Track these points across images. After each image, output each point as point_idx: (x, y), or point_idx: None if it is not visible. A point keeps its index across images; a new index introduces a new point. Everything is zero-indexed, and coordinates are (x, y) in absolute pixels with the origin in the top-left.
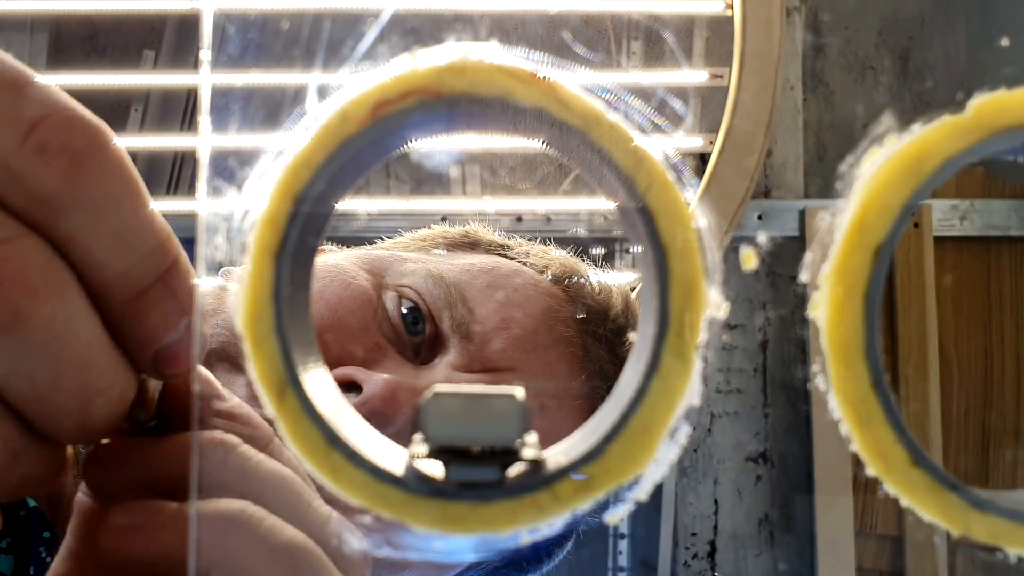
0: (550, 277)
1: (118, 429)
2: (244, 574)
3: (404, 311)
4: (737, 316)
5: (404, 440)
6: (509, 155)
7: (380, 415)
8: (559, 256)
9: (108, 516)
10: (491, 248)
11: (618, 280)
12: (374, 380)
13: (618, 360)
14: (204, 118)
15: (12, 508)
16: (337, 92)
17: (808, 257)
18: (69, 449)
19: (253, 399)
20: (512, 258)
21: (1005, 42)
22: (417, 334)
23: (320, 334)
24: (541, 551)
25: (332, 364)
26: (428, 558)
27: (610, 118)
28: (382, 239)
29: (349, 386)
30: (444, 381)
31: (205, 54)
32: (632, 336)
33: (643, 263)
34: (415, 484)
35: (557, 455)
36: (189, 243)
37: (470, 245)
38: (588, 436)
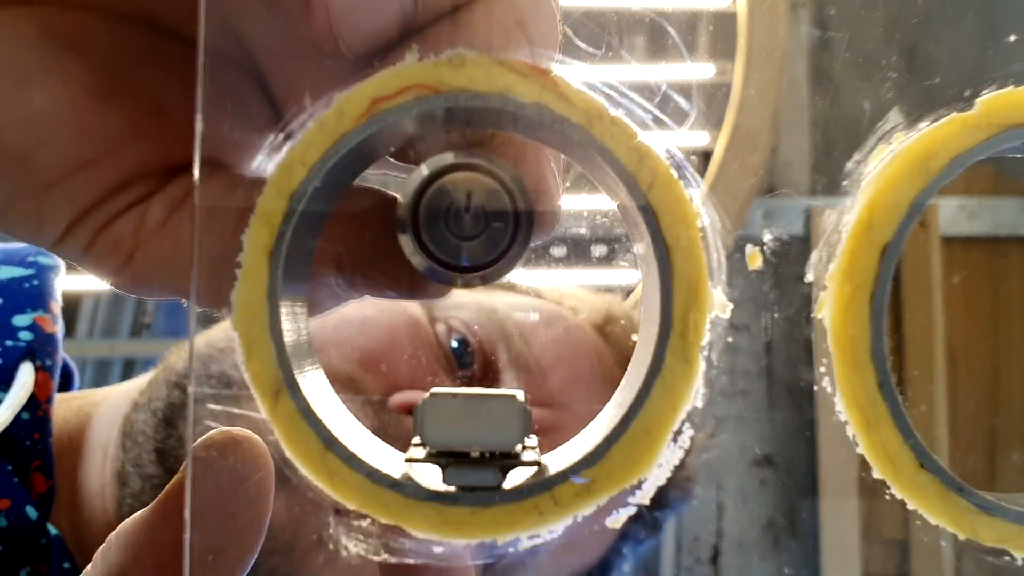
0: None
1: None
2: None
3: (454, 344)
4: (741, 317)
5: None
6: None
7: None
8: (591, 298)
9: None
10: (527, 292)
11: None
12: None
13: None
14: (199, 116)
15: (33, 535)
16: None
17: (814, 256)
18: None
19: None
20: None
21: (1014, 38)
22: (465, 366)
23: (374, 360)
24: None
25: (386, 391)
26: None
27: (612, 114)
28: None
29: (410, 411)
30: None
31: (200, 54)
32: None
33: (645, 262)
34: (412, 488)
35: (557, 458)
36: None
37: (508, 286)
38: (589, 439)
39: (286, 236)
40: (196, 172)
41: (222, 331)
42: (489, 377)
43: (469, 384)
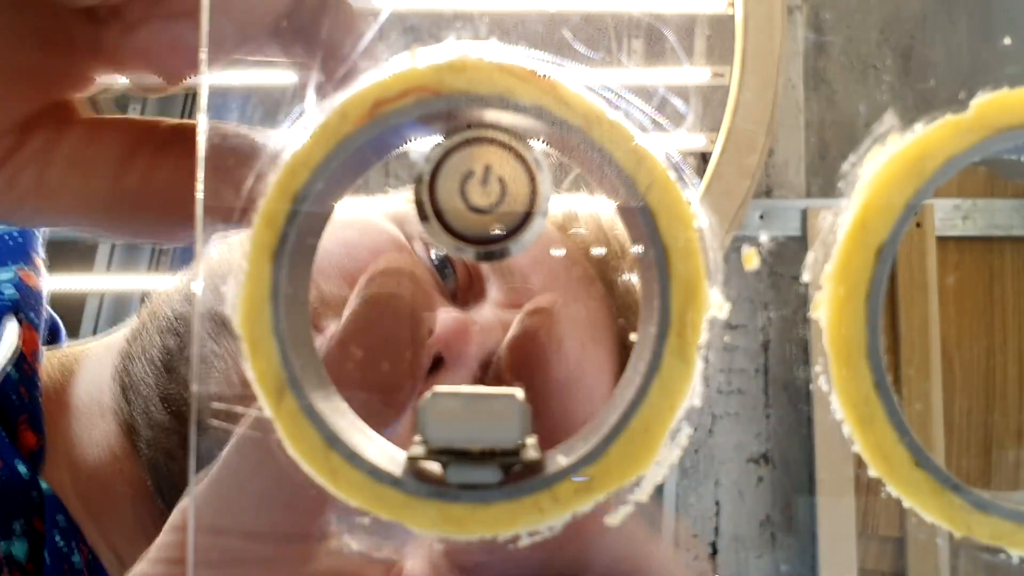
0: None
1: None
2: None
3: (435, 259)
4: (738, 316)
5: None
6: None
7: (455, 352)
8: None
9: None
10: None
11: (599, 210)
12: (443, 318)
13: (631, 298)
14: (202, 117)
15: (25, 491)
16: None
17: (810, 257)
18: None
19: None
20: None
21: (1008, 41)
22: (447, 278)
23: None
24: None
25: None
26: None
27: (611, 117)
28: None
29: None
30: (493, 319)
31: (203, 52)
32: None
33: (644, 263)
34: (414, 485)
35: (557, 456)
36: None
37: None
38: (588, 437)
39: (289, 237)
40: (199, 174)
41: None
42: (475, 288)
43: (455, 297)
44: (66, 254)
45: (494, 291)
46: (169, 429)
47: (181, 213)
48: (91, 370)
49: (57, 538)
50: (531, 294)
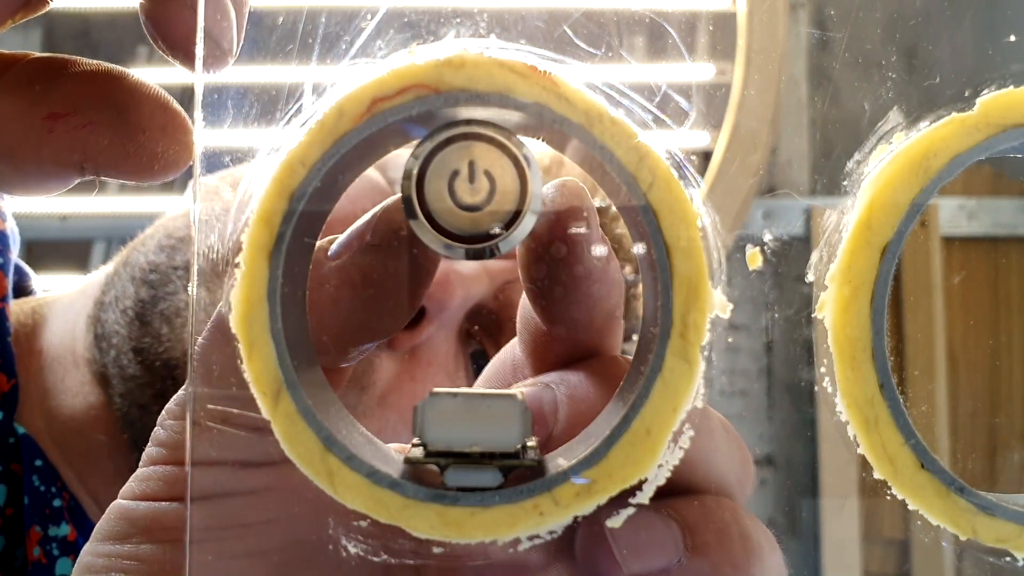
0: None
1: None
2: None
3: None
4: (741, 317)
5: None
6: None
7: (438, 302)
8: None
9: None
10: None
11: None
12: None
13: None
14: (198, 115)
15: (1, 433)
16: (333, 88)
17: (814, 256)
18: None
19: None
20: None
21: (1013, 39)
22: None
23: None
24: None
25: None
26: None
27: (612, 114)
28: None
29: None
30: (478, 268)
31: (199, 50)
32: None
33: (646, 262)
34: (412, 488)
35: (557, 458)
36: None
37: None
38: (590, 439)
39: (286, 236)
40: (197, 170)
41: (182, 218)
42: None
43: None
44: (62, 254)
45: None
46: (143, 382)
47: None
48: (64, 316)
49: (36, 480)
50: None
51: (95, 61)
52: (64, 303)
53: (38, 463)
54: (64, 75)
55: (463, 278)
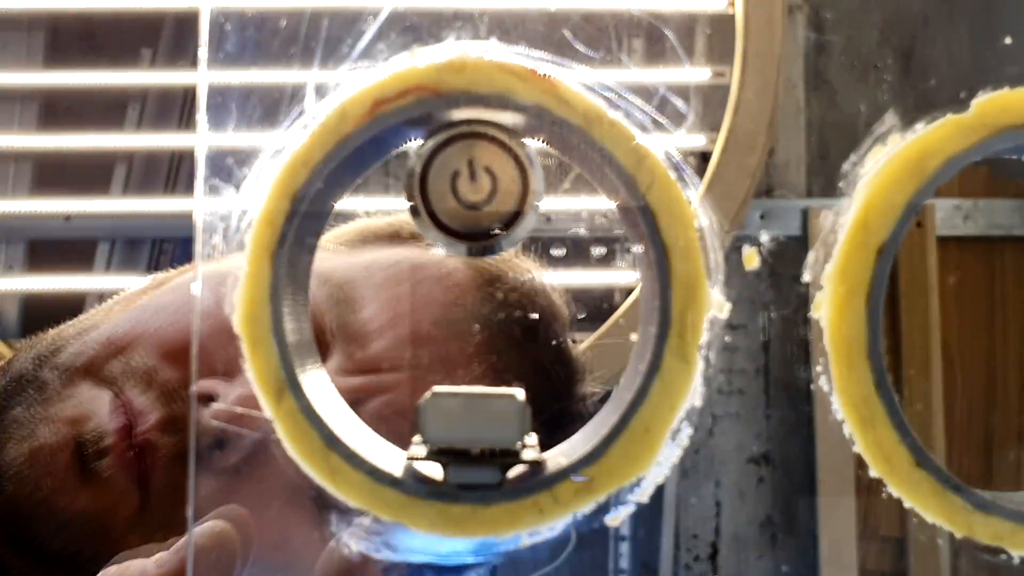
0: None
1: None
2: None
3: None
4: (739, 316)
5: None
6: None
7: (224, 432)
8: (505, 256)
9: None
10: (417, 240)
11: (555, 280)
12: (234, 395)
13: (529, 361)
14: (201, 117)
15: None
16: (335, 90)
17: (811, 257)
18: None
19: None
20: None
21: (1008, 41)
22: None
23: (186, 350)
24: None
25: (202, 378)
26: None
27: (611, 116)
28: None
29: (210, 400)
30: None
31: (202, 52)
32: (550, 337)
33: (644, 263)
34: (414, 486)
35: (558, 457)
36: (187, 242)
37: (390, 237)
38: (589, 437)
39: (288, 237)
40: (199, 174)
41: (102, 313)
42: (323, 349)
43: None
44: (66, 254)
45: (335, 355)
46: None
47: None
48: None
49: None
50: (367, 360)
51: None
52: None
53: None
54: None
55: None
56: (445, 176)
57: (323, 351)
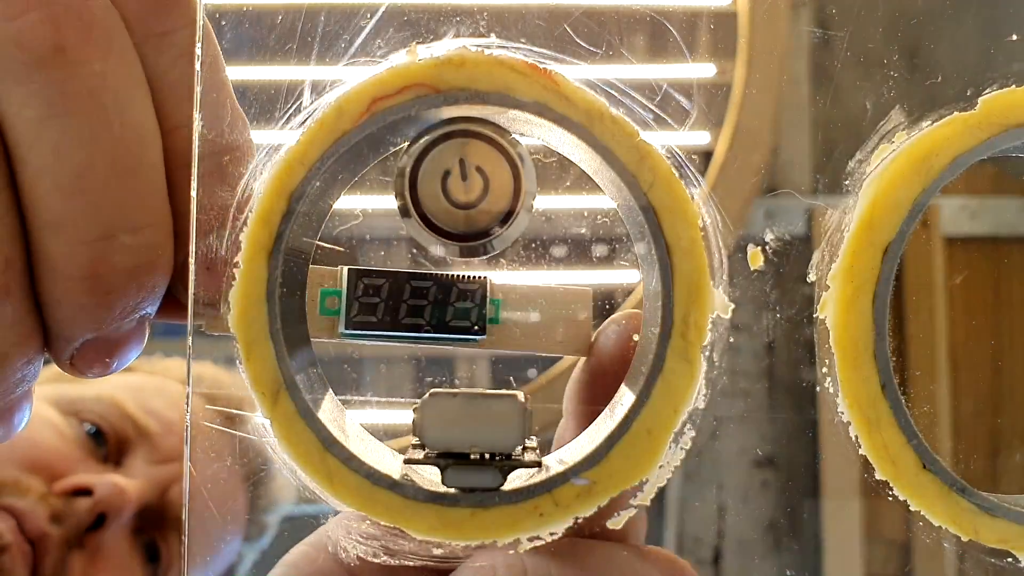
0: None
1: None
2: None
3: (88, 430)
4: (743, 317)
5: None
6: None
7: (116, 509)
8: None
9: None
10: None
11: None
12: (104, 482)
13: None
14: (196, 114)
15: None
16: (332, 87)
17: (816, 256)
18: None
19: None
20: None
21: (1015, 38)
22: (100, 444)
23: (32, 459)
24: None
25: (50, 481)
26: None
27: (613, 113)
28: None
29: (79, 492)
30: (144, 475)
31: (197, 49)
32: None
33: (647, 262)
34: (412, 489)
35: (558, 459)
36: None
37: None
38: (590, 440)
39: (285, 236)
40: (194, 173)
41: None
42: (124, 449)
43: (105, 462)
44: None
45: (143, 448)
46: None
47: None
48: None
49: None
50: (165, 451)
51: None
52: None
53: None
54: None
55: (135, 486)
56: (436, 175)
57: (124, 450)
